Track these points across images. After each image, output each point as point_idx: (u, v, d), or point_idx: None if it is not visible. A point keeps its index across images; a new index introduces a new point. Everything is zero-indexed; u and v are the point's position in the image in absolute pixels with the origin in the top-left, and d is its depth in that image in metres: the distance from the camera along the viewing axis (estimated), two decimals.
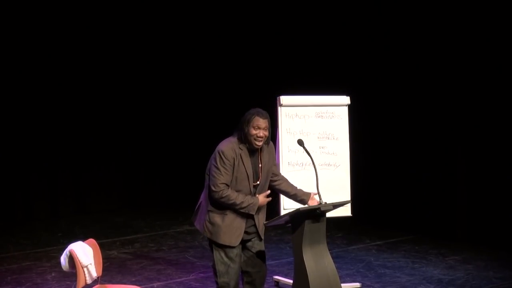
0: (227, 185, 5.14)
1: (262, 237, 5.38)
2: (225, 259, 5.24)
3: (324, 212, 5.26)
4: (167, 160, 11.63)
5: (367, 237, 8.85)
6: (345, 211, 6.64)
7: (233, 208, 5.16)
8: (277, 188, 5.59)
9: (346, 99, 7.00)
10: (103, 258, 5.14)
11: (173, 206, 11.32)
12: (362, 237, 8.87)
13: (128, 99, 11.13)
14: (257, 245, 5.38)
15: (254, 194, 5.26)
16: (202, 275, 7.23)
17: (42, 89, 10.32)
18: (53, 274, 7.26)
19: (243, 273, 5.43)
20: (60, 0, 10.28)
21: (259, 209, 5.27)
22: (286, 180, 5.64)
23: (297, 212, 5.13)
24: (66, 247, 4.85)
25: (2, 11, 9.85)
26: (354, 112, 7.13)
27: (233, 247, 5.24)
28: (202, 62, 11.44)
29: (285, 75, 10.09)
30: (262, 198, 5.24)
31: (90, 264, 4.83)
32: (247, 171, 5.20)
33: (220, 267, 5.26)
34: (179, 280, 7.09)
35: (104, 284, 5.35)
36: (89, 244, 4.97)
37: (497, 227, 8.32)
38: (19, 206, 10.29)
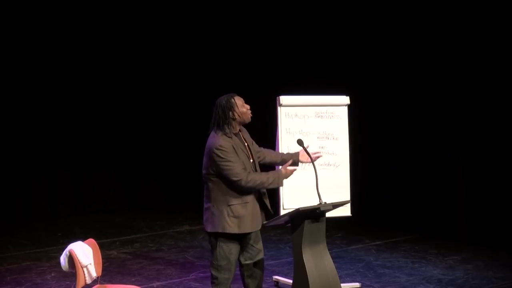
0: (245, 169, 5.22)
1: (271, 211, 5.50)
2: (227, 254, 5.28)
3: (323, 212, 5.26)
4: (166, 160, 11.62)
5: (367, 237, 8.84)
6: (345, 211, 6.63)
7: (251, 194, 5.25)
8: (265, 161, 5.65)
9: (345, 99, 7.00)
10: (102, 258, 5.13)
11: (172, 206, 11.32)
12: (361, 237, 8.86)
13: (128, 99, 11.12)
14: (255, 236, 5.43)
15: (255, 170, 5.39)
16: (201, 275, 7.23)
17: (42, 90, 10.31)
18: (52, 274, 7.25)
19: (242, 266, 5.46)
20: (60, 0, 10.28)
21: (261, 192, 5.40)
22: (270, 151, 5.75)
23: (296, 212, 5.13)
24: (66, 247, 4.85)
25: (2, 11, 9.85)
26: (353, 112, 7.13)
27: (235, 241, 5.29)
28: (201, 62, 11.43)
29: (285, 75, 10.10)
30: (284, 169, 5.35)
31: (90, 264, 4.83)
32: (245, 152, 5.33)
33: (222, 263, 5.29)
34: (178, 280, 7.09)
35: (104, 284, 5.35)
36: (89, 244, 4.97)
37: (497, 227, 8.32)
38: (18, 206, 10.28)
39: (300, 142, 5.64)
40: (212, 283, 5.39)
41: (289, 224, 5.34)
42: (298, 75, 9.88)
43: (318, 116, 6.87)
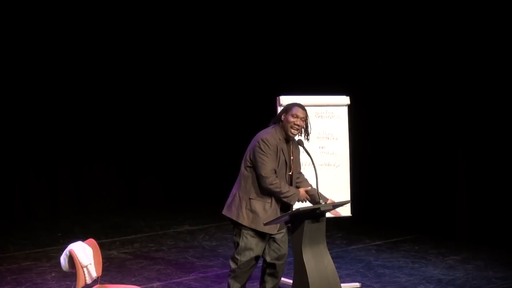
0: (275, 171, 5.33)
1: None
2: (248, 249, 5.38)
3: (324, 212, 5.26)
4: (167, 160, 11.63)
5: (367, 237, 8.85)
6: (345, 211, 6.64)
7: (276, 197, 5.36)
8: (297, 185, 5.70)
9: (345, 99, 7.01)
10: (102, 258, 5.13)
11: (173, 206, 11.32)
12: (361, 237, 8.86)
13: (128, 99, 11.13)
14: (284, 238, 5.55)
15: (290, 184, 5.48)
16: (201, 275, 7.23)
17: (42, 89, 10.31)
18: (52, 274, 7.25)
19: (268, 265, 5.57)
20: (60, 0, 10.28)
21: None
22: (306, 180, 5.78)
23: (297, 212, 5.13)
24: (66, 247, 4.85)
25: (2, 11, 9.85)
26: (353, 112, 7.14)
27: (261, 237, 5.40)
28: (202, 62, 11.44)
29: (285, 75, 10.10)
30: (303, 191, 5.46)
31: (90, 264, 4.82)
32: (286, 159, 5.44)
33: (242, 257, 5.40)
34: (178, 280, 7.09)
35: (104, 284, 5.35)
36: (89, 244, 4.97)
37: (497, 227, 8.32)
38: (18, 206, 10.28)
39: (300, 142, 5.64)
40: (229, 275, 5.51)
41: (289, 224, 5.35)
42: (298, 75, 9.88)
43: (318, 116, 6.88)
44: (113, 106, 10.98)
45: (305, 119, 5.48)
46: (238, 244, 5.44)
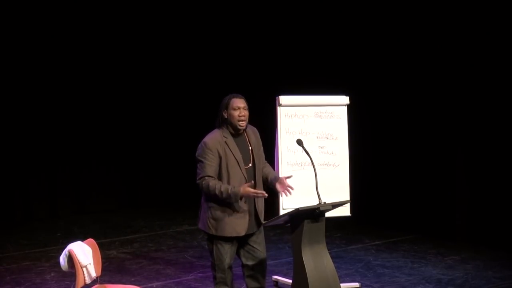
0: (210, 176, 5.19)
1: (262, 221, 5.41)
2: (222, 254, 5.31)
3: (323, 212, 5.26)
4: (166, 160, 11.62)
5: (366, 237, 8.85)
6: (344, 211, 6.64)
7: (219, 199, 5.16)
8: (264, 176, 5.54)
9: (345, 99, 7.00)
10: (102, 258, 5.13)
11: (172, 206, 11.32)
12: (361, 237, 8.86)
13: (127, 99, 11.12)
14: (257, 238, 5.44)
15: (252, 178, 5.28)
16: (201, 275, 7.23)
17: (41, 90, 10.31)
18: (52, 274, 7.25)
19: (243, 267, 5.48)
20: (60, 0, 10.28)
21: (256, 199, 5.31)
22: (268, 169, 5.61)
23: (296, 212, 5.13)
24: (65, 247, 4.85)
25: (2, 11, 9.84)
26: (353, 112, 7.14)
27: (230, 242, 5.30)
28: (201, 62, 11.44)
29: (284, 75, 10.10)
30: (244, 189, 5.14)
31: (89, 264, 4.82)
32: (236, 156, 5.26)
33: (218, 262, 5.34)
34: (178, 280, 7.09)
35: (103, 284, 5.35)
36: (88, 244, 4.97)
37: (496, 227, 8.32)
38: (18, 206, 10.28)
39: (299, 142, 5.63)
40: (214, 283, 5.44)
41: (289, 224, 5.33)
42: (297, 75, 9.88)
43: (318, 116, 6.87)
44: (112, 106, 10.98)
45: (246, 107, 5.32)
46: (212, 252, 5.36)
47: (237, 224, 5.27)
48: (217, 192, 5.14)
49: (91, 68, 10.70)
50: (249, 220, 5.32)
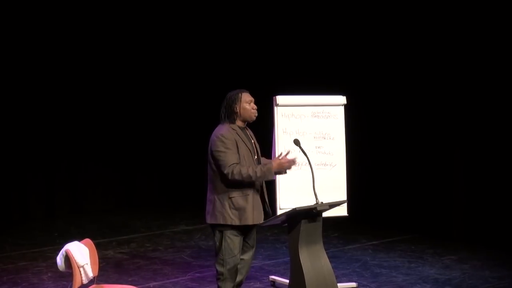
0: (237, 163, 5.22)
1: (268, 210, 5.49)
2: (233, 248, 5.31)
3: (320, 212, 5.26)
4: (163, 160, 11.63)
5: (363, 237, 8.85)
6: (341, 211, 6.64)
7: (252, 186, 5.26)
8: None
9: (342, 99, 7.00)
10: (99, 258, 5.13)
11: (169, 206, 11.32)
12: (358, 237, 8.87)
13: (125, 99, 11.12)
14: (252, 234, 5.49)
15: None
16: (198, 275, 7.23)
17: (39, 89, 10.30)
18: (49, 274, 7.25)
19: None
20: (60, 0, 10.28)
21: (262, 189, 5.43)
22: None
23: (293, 212, 5.13)
24: (62, 247, 4.84)
25: (2, 11, 9.84)
26: (350, 112, 7.14)
27: (241, 235, 5.33)
28: (199, 62, 11.44)
29: (281, 75, 10.10)
30: (275, 162, 5.31)
31: (86, 264, 4.82)
32: (248, 147, 5.35)
33: (228, 257, 5.33)
34: (175, 280, 7.08)
35: (100, 284, 5.35)
36: (85, 244, 4.97)
37: (493, 227, 8.33)
38: (15, 206, 10.27)
39: (296, 142, 5.64)
40: (218, 279, 5.42)
41: (286, 224, 5.34)
42: (294, 75, 9.88)
43: (315, 116, 6.87)
44: (109, 105, 10.97)
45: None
46: (220, 247, 5.35)
47: (257, 210, 5.33)
48: (251, 173, 5.18)
49: (89, 67, 10.68)
50: (262, 209, 5.41)
